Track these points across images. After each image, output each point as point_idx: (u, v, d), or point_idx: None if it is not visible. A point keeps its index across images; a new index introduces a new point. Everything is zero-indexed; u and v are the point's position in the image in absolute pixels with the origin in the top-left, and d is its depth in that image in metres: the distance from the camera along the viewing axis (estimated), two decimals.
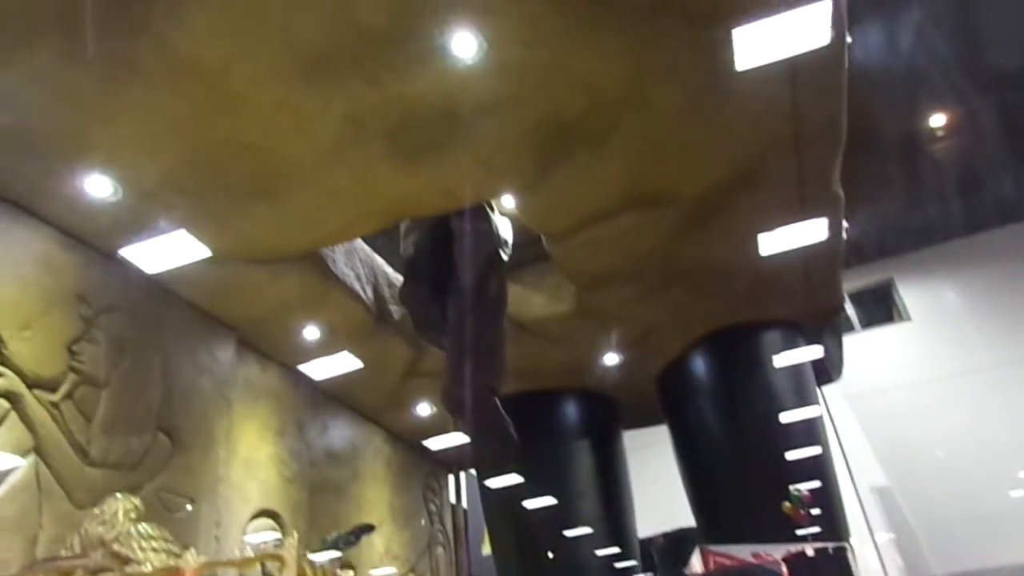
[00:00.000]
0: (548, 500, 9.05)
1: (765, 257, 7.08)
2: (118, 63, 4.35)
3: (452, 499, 12.15)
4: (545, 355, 8.58)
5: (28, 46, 4.19)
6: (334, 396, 8.92)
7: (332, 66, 4.55)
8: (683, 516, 9.60)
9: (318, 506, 8.25)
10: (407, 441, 10.51)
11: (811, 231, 6.56)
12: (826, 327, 8.74)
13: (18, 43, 4.15)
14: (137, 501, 2.41)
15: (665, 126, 5.46)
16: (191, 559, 2.01)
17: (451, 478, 12.11)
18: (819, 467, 8.32)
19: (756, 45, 4.58)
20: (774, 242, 6.70)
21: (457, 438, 9.55)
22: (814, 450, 8.31)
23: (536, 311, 7.98)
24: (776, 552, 7.60)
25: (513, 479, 9.07)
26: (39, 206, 5.29)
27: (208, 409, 6.69)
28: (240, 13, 4.09)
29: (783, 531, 7.68)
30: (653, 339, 8.55)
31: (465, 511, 12.84)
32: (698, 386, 8.97)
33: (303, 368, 7.88)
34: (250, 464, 7.26)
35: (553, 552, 9.09)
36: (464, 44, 4.52)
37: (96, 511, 2.25)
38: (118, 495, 2.36)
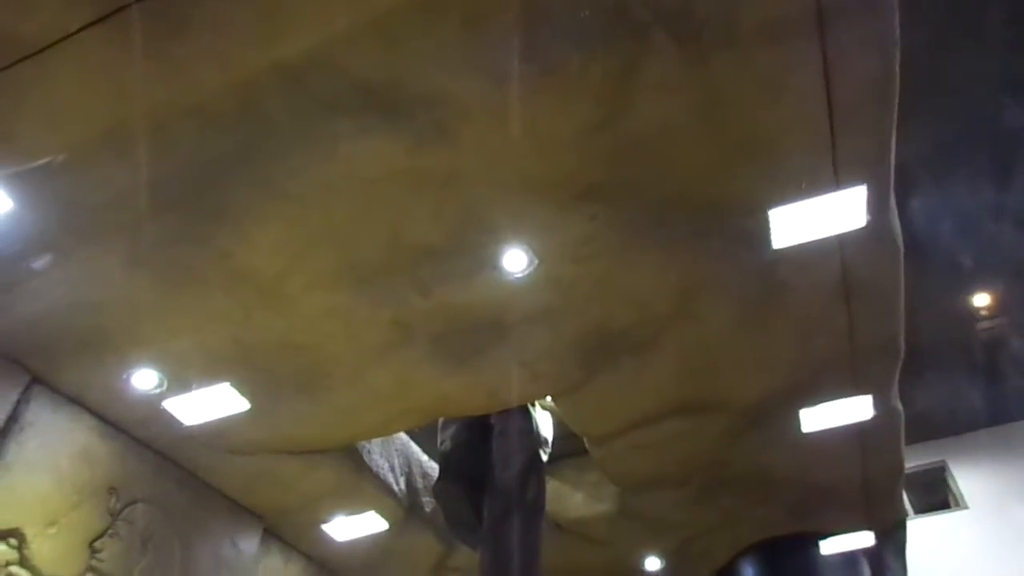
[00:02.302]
0: None
1: (820, 465, 6.74)
2: (176, 268, 4.49)
3: None
4: (583, 556, 8.05)
5: (93, 244, 4.32)
6: None
7: (384, 277, 4.63)
8: None
9: None
10: None
11: (856, 409, 6.17)
12: (888, 541, 8.10)
13: (82, 242, 4.29)
14: None
15: (713, 337, 5.37)
16: None
17: None
18: None
19: (792, 225, 4.53)
20: (816, 419, 6.30)
21: None
22: None
23: (576, 510, 7.58)
24: None
25: None
26: (85, 397, 5.32)
27: None
28: (302, 233, 4.23)
29: None
30: (699, 545, 7.99)
31: None
32: None
33: (326, 528, 7.29)
34: None
35: None
36: (515, 260, 4.59)
37: None
38: None
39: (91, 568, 5.12)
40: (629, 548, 8.02)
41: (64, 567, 4.92)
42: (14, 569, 4.60)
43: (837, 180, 4.27)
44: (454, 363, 5.33)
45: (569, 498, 7.56)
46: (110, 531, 5.36)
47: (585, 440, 6.49)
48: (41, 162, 3.66)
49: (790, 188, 4.35)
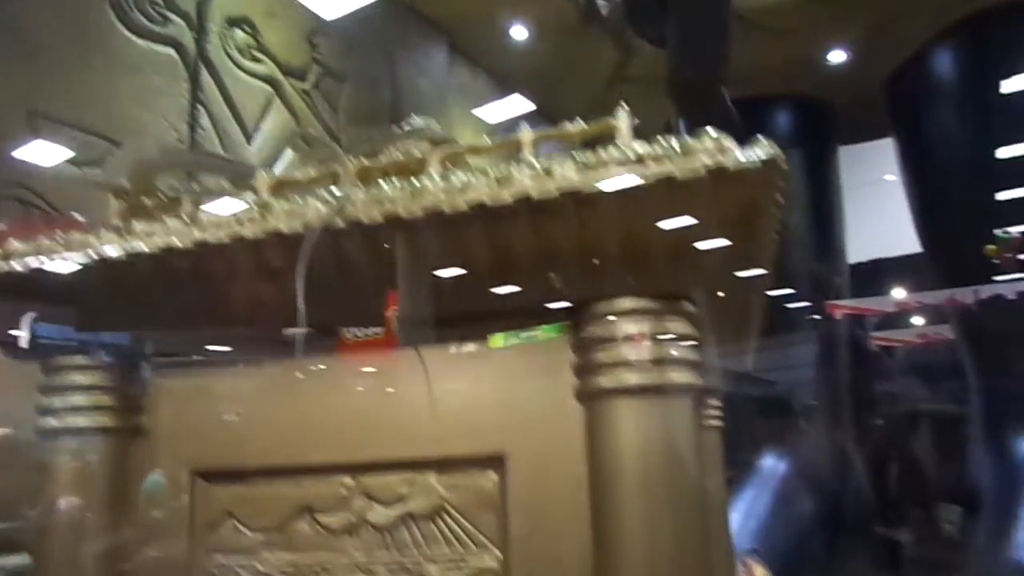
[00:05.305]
0: None
1: None
2: None
3: None
4: (761, 53, 7.84)
5: None
6: (538, 106, 8.89)
7: None
8: (894, 242, 9.13)
9: None
10: None
11: None
12: None
13: None
14: None
15: None
16: None
17: None
18: None
19: None
20: None
21: None
22: None
23: None
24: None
25: None
26: None
27: (430, 109, 6.92)
28: None
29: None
30: (892, 29, 7.51)
31: None
32: (939, 89, 7.79)
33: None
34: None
35: None
36: None
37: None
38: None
39: (315, 60, 5.65)
40: (812, 38, 7.73)
41: (293, 56, 5.48)
42: (257, 54, 5.13)
43: None
44: None
45: None
46: (322, 30, 5.74)
47: None
48: None
49: None
